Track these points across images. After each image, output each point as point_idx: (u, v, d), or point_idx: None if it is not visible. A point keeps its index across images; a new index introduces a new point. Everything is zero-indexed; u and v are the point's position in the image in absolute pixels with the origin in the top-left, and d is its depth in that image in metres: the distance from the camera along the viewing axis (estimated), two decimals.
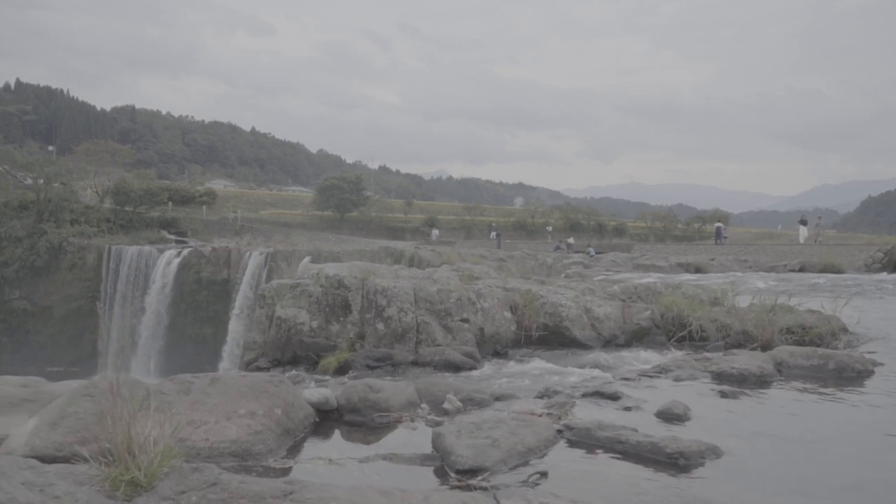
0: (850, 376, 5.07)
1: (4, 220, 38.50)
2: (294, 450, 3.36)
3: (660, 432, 3.49)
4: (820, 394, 4.61)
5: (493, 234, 51.18)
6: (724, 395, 4.50)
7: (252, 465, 3.02)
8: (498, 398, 4.34)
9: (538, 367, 5.90)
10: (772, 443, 3.47)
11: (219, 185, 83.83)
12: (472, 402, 4.16)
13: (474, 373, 5.82)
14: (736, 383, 4.81)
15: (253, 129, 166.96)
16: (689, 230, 64.32)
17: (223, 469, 2.46)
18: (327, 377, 5.73)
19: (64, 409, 3.14)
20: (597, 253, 32.52)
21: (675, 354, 6.32)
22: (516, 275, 13.05)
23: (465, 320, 6.65)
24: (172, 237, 43.27)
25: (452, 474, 2.92)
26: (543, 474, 2.91)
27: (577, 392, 4.50)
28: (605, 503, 2.65)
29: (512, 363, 6.20)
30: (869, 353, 5.77)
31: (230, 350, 29.64)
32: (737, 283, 11.39)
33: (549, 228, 58.87)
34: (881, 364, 5.39)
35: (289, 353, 6.59)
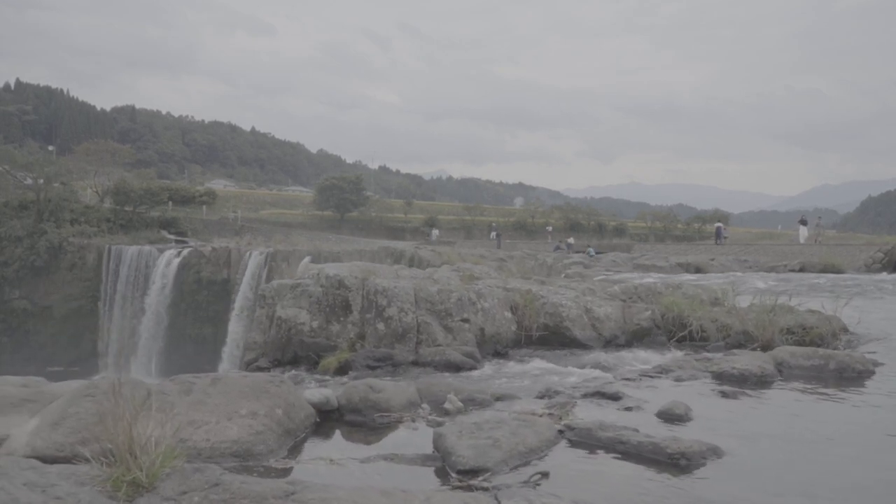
0: (851, 376, 5.07)
1: (4, 220, 38.49)
2: (295, 450, 3.36)
3: (661, 433, 3.49)
4: (821, 394, 4.61)
5: (493, 234, 51.18)
6: (724, 395, 4.50)
7: (253, 466, 3.01)
8: (499, 398, 4.34)
9: (539, 368, 5.90)
10: (773, 443, 3.47)
11: (219, 185, 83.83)
12: (472, 403, 4.16)
13: (475, 373, 5.82)
14: (737, 383, 4.81)
15: (253, 129, 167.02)
16: (689, 230, 64.33)
17: (224, 469, 2.46)
18: (328, 377, 5.73)
19: (65, 409, 3.14)
20: (597, 253, 32.52)
21: (675, 354, 6.32)
22: (516, 275, 13.05)
23: (466, 320, 6.64)
24: (172, 237, 43.26)
25: (454, 474, 2.92)
26: (545, 475, 2.91)
27: (578, 392, 4.50)
28: (607, 503, 2.65)
29: (512, 363, 6.20)
30: (869, 353, 5.76)
31: (230, 351, 29.63)
32: (737, 284, 11.39)
33: (549, 228, 58.87)
34: (882, 364, 5.39)
35: (289, 353, 6.59)
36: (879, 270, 18.04)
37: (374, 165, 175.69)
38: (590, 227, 64.46)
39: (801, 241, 32.98)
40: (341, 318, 6.63)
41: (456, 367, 5.95)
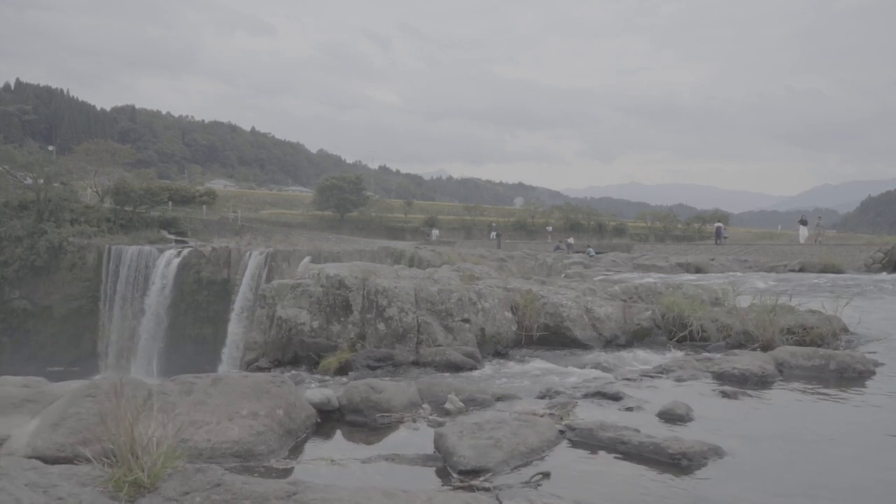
0: (852, 377, 5.07)
1: (4, 220, 38.48)
2: (296, 450, 3.36)
3: (662, 433, 3.49)
4: (821, 394, 4.61)
5: (493, 234, 51.17)
6: (725, 395, 4.50)
7: (254, 466, 3.01)
8: (499, 398, 4.34)
9: (539, 368, 5.90)
10: (774, 443, 3.47)
11: (219, 185, 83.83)
12: (473, 403, 4.16)
13: (475, 373, 5.82)
14: (737, 384, 4.81)
15: (253, 129, 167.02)
16: (689, 230, 64.33)
17: (226, 470, 2.46)
18: (328, 377, 5.73)
19: (66, 409, 3.14)
20: (597, 253, 32.51)
21: (676, 355, 6.32)
22: (517, 275, 13.05)
23: (466, 320, 6.64)
24: (172, 237, 43.26)
25: (455, 475, 2.92)
26: (546, 475, 2.91)
27: (579, 392, 4.50)
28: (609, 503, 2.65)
29: (513, 363, 6.20)
30: (870, 353, 5.76)
31: (229, 353, 29.60)
32: (737, 284, 11.39)
33: (549, 228, 58.87)
34: (882, 364, 5.39)
35: (289, 353, 6.59)
36: (879, 270, 18.04)
37: (374, 165, 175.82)
38: (590, 227, 64.46)
39: (802, 241, 32.97)
40: (342, 319, 6.63)
41: (456, 368, 5.94)
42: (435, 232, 53.76)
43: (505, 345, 6.76)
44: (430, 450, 3.28)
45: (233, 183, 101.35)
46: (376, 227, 59.40)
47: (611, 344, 6.90)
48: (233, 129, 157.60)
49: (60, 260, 37.67)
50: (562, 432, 3.51)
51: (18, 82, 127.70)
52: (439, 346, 6.35)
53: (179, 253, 35.49)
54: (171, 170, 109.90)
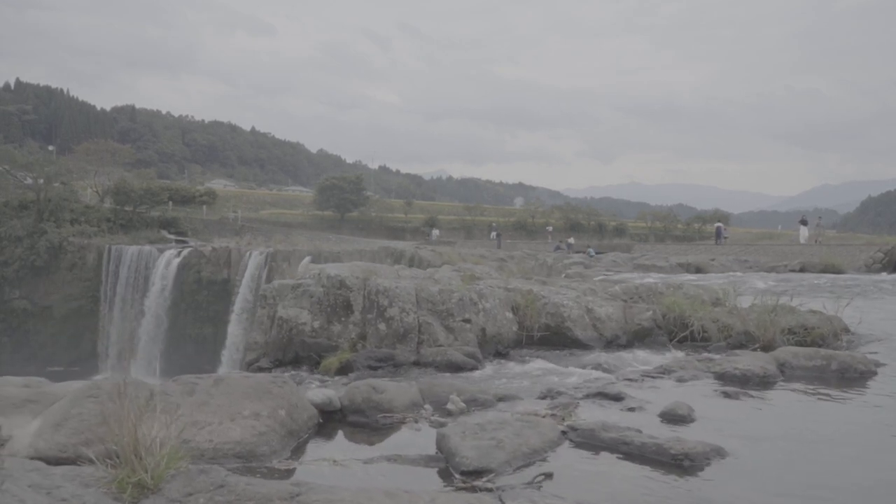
0: (853, 377, 5.07)
1: (4, 220, 38.48)
2: (298, 451, 3.36)
3: (664, 433, 3.49)
4: (823, 395, 4.61)
5: (494, 234, 51.17)
6: (727, 395, 4.50)
7: (256, 467, 3.01)
8: (501, 399, 4.34)
9: (540, 368, 5.90)
10: (776, 444, 3.47)
11: (219, 184, 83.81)
12: (475, 403, 4.16)
13: (476, 373, 5.82)
14: (739, 384, 4.81)
15: (253, 128, 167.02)
16: (690, 230, 64.34)
17: (228, 471, 2.46)
18: (329, 378, 5.73)
19: (67, 410, 3.13)
20: (597, 253, 32.51)
21: (677, 355, 6.32)
22: (517, 275, 13.05)
23: (467, 321, 6.64)
24: (173, 237, 43.27)
25: (457, 475, 2.92)
26: (548, 476, 2.91)
27: (580, 393, 4.50)
28: None
29: (514, 364, 6.19)
30: (871, 353, 5.76)
31: (229, 355, 29.58)
32: (737, 284, 11.38)
33: (550, 228, 58.88)
34: (883, 364, 5.39)
35: (290, 353, 6.59)
36: (879, 270, 18.03)
37: (374, 165, 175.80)
38: (590, 227, 64.47)
39: (802, 241, 32.97)
40: (342, 319, 6.63)
41: (457, 368, 5.94)
42: (435, 232, 53.77)
43: (506, 345, 6.76)
44: (432, 450, 3.28)
45: (233, 183, 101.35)
46: (376, 227, 59.40)
47: (612, 344, 6.90)
48: (233, 129, 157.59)
49: (60, 260, 37.67)
50: (564, 433, 3.51)
51: (18, 82, 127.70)
52: (440, 346, 6.35)
53: (179, 253, 35.49)
54: (171, 170, 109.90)
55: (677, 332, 6.98)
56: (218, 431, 3.15)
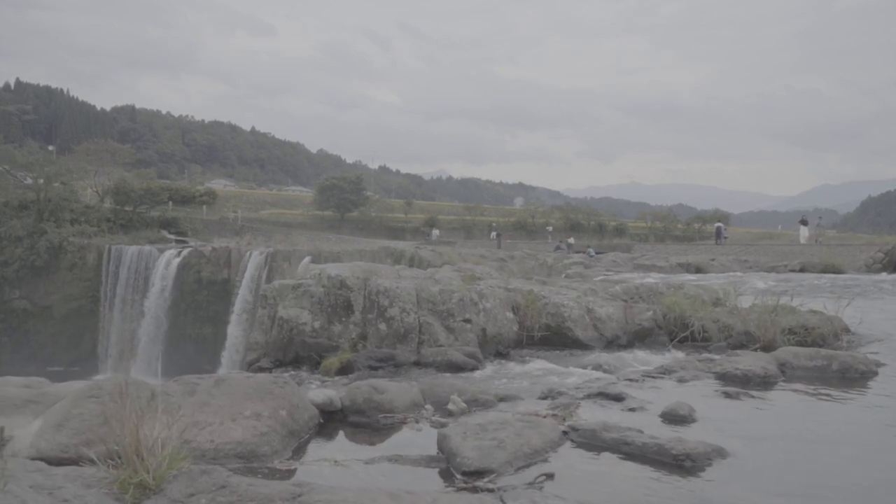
0: (854, 377, 5.07)
1: (4, 220, 38.47)
2: (299, 451, 3.36)
3: (665, 434, 3.49)
4: (824, 395, 4.61)
5: (494, 234, 51.17)
6: (728, 396, 4.50)
7: (257, 467, 3.01)
8: (502, 399, 4.34)
9: (541, 368, 5.90)
10: (777, 444, 3.47)
11: (219, 184, 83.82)
12: (476, 404, 4.16)
13: (477, 373, 5.82)
14: (740, 384, 4.80)
15: (253, 128, 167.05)
16: (690, 230, 64.35)
17: (230, 471, 2.46)
18: (330, 378, 5.72)
19: (69, 410, 3.13)
20: (597, 253, 32.51)
21: (677, 355, 6.32)
22: (518, 275, 13.05)
23: (468, 321, 6.64)
24: (173, 237, 43.26)
25: (458, 476, 2.92)
26: (550, 476, 2.91)
27: (581, 393, 4.50)
28: None
29: (514, 364, 6.19)
30: (872, 353, 5.76)
31: (229, 356, 29.55)
32: (737, 284, 11.38)
33: (550, 228, 58.89)
34: (884, 364, 5.39)
35: (291, 353, 6.59)
36: (879, 271, 18.03)
37: (374, 165, 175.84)
38: (590, 227, 64.47)
39: (802, 241, 32.96)
40: (343, 319, 6.63)
41: (458, 368, 5.94)
42: (435, 232, 53.77)
43: (506, 345, 6.76)
44: (433, 451, 3.28)
45: (233, 183, 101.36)
46: (376, 227, 59.40)
47: (612, 344, 6.90)
48: (233, 129, 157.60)
49: (60, 260, 37.66)
50: (565, 433, 3.51)
51: (18, 82, 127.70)
52: (441, 346, 6.35)
53: (179, 253, 35.48)
54: (171, 170, 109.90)
55: (678, 333, 6.98)
56: (219, 432, 3.15)
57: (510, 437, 3.19)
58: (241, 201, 67.27)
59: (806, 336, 6.43)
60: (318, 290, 6.77)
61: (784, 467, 3.14)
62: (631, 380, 5.00)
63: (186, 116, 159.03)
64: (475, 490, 2.71)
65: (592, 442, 3.42)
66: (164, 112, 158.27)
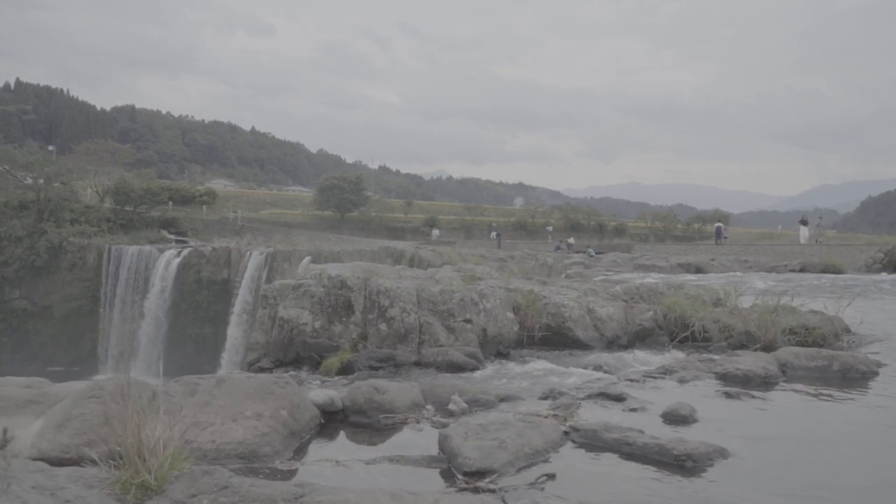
0: (855, 377, 5.07)
1: (4, 220, 38.49)
2: (300, 451, 3.36)
3: (666, 434, 3.49)
4: (825, 395, 4.61)
5: (494, 234, 51.19)
6: (729, 396, 4.49)
7: (259, 467, 3.01)
8: (503, 399, 4.33)
9: (541, 368, 5.89)
10: (778, 444, 3.47)
11: (219, 184, 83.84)
12: (477, 404, 4.16)
13: (477, 373, 5.81)
14: (741, 384, 4.80)
15: (253, 128, 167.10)
16: (690, 230, 64.37)
17: (231, 472, 2.45)
18: (330, 378, 5.72)
19: (70, 410, 3.13)
20: (597, 253, 32.51)
21: (678, 355, 6.32)
22: (518, 275, 13.05)
23: (468, 321, 6.64)
24: (173, 237, 43.29)
25: (460, 476, 2.92)
26: (551, 476, 2.91)
27: (582, 393, 4.50)
28: None
29: (515, 364, 6.19)
30: (872, 354, 5.76)
31: (229, 357, 29.55)
32: (738, 284, 11.39)
33: (550, 228, 58.90)
34: (885, 365, 5.39)
35: (291, 353, 6.59)
36: (879, 271, 18.03)
37: (374, 165, 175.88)
38: (590, 227, 64.49)
39: (802, 241, 32.97)
40: (343, 319, 6.63)
41: (458, 368, 5.94)
42: (435, 232, 53.79)
43: (507, 345, 6.76)
44: (434, 451, 3.28)
45: (233, 183, 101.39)
46: (376, 227, 59.42)
47: (612, 344, 6.90)
48: (233, 129, 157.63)
49: (60, 260, 37.68)
50: (566, 433, 3.51)
51: (18, 82, 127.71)
52: (441, 346, 6.35)
53: (179, 253, 35.49)
54: (171, 170, 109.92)
55: (678, 333, 6.98)
56: (220, 432, 3.14)
57: (511, 438, 3.19)
58: (241, 201, 67.29)
59: (806, 336, 6.43)
60: (319, 290, 6.77)
61: (785, 467, 3.14)
62: (632, 380, 5.00)
63: (186, 116, 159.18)
64: (477, 490, 2.71)
65: (593, 442, 3.41)
66: (164, 112, 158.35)
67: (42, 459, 2.71)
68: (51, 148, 75.85)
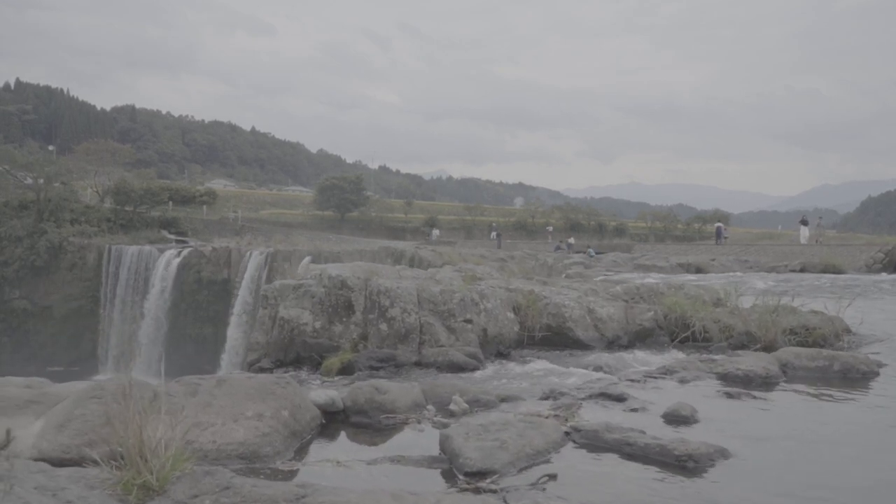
0: (856, 377, 5.07)
1: (4, 220, 38.50)
2: (301, 452, 3.36)
3: (667, 434, 3.48)
4: (826, 395, 4.61)
5: (494, 234, 51.20)
6: (730, 396, 4.49)
7: (260, 468, 3.01)
8: (504, 399, 4.33)
9: (542, 368, 5.89)
10: (779, 445, 3.47)
11: (219, 184, 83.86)
12: (477, 404, 4.16)
13: (477, 374, 5.81)
14: (741, 384, 4.80)
15: (253, 128, 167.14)
16: (690, 230, 64.38)
17: (233, 472, 2.45)
18: (331, 378, 5.72)
19: (71, 411, 3.13)
20: (597, 253, 32.51)
21: (678, 355, 6.32)
22: (518, 275, 13.05)
23: (469, 321, 6.64)
24: (173, 237, 43.31)
25: (461, 477, 2.92)
26: (552, 477, 2.91)
27: (583, 393, 4.50)
28: None
29: (515, 364, 6.18)
30: (873, 354, 5.76)
31: (229, 359, 29.53)
32: (738, 284, 11.39)
33: (550, 228, 58.91)
34: (886, 365, 5.38)
35: (292, 353, 6.58)
36: (880, 271, 18.03)
37: (374, 165, 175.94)
38: (590, 227, 64.49)
39: (803, 241, 32.97)
40: (344, 319, 6.63)
41: (459, 368, 5.93)
42: (435, 232, 53.79)
43: (507, 345, 6.76)
44: (435, 451, 3.28)
45: (233, 183, 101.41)
46: (376, 227, 59.43)
47: (613, 344, 6.89)
48: (233, 128, 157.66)
49: (60, 260, 37.68)
50: (567, 434, 3.51)
51: (18, 82, 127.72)
52: (442, 346, 6.34)
53: (179, 253, 35.49)
54: (171, 170, 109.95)
55: (679, 333, 6.98)
56: (221, 432, 3.14)
57: (512, 438, 3.19)
58: (241, 201, 67.31)
59: (807, 336, 6.43)
60: (320, 290, 6.76)
61: (786, 468, 3.14)
62: (632, 380, 5.00)
63: (186, 116, 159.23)
64: (478, 491, 2.71)
65: (595, 443, 3.41)
66: (164, 112, 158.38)
67: (43, 460, 2.71)
68: (51, 148, 75.87)
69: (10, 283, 37.26)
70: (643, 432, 3.44)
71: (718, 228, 40.87)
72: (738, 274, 17.99)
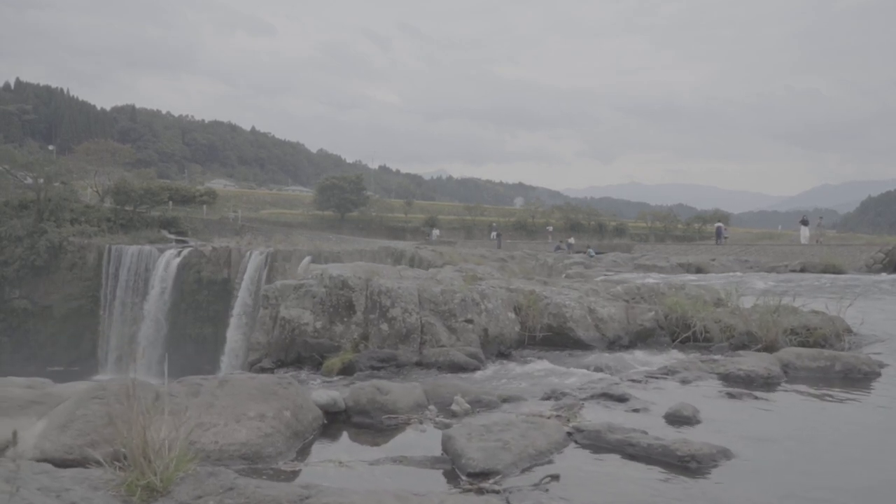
0: (857, 378, 5.07)
1: (4, 220, 38.49)
2: (303, 452, 3.36)
3: (670, 435, 3.48)
4: (827, 396, 4.61)
5: (494, 234, 51.20)
6: (731, 396, 4.49)
7: (262, 468, 3.01)
8: (505, 400, 4.33)
9: (543, 368, 5.89)
10: (781, 445, 3.47)
11: (219, 184, 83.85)
12: (479, 404, 4.16)
13: (478, 374, 5.81)
14: (743, 385, 4.80)
15: (253, 128, 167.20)
16: (690, 230, 64.40)
17: (236, 472, 2.45)
18: (332, 378, 5.72)
19: (73, 411, 3.13)
20: (597, 253, 32.50)
21: (679, 356, 6.32)
22: (519, 275, 13.05)
23: (470, 321, 6.63)
24: (173, 237, 43.31)
25: (463, 477, 2.92)
26: (555, 477, 2.91)
27: (585, 394, 4.49)
28: None
29: (516, 364, 6.18)
30: (874, 354, 5.76)
31: (228, 361, 29.51)
32: (738, 284, 11.38)
33: (550, 228, 58.92)
34: (887, 365, 5.38)
35: (292, 353, 6.58)
36: (880, 271, 18.03)
37: (374, 165, 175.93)
38: (590, 227, 64.50)
39: (803, 241, 32.96)
40: (345, 319, 6.63)
41: (460, 368, 5.93)
42: (435, 232, 53.80)
43: (508, 345, 6.76)
44: (437, 452, 3.28)
45: (233, 183, 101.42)
46: (376, 227, 59.43)
47: (614, 345, 6.89)
48: (233, 128, 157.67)
49: (60, 260, 37.68)
50: (569, 434, 3.51)
51: (18, 82, 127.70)
52: (443, 346, 6.34)
53: (179, 253, 35.48)
54: (171, 169, 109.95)
55: (679, 333, 6.98)
56: (223, 433, 3.14)
57: (515, 439, 3.19)
58: (241, 201, 67.32)
59: (808, 337, 6.43)
60: (320, 290, 6.76)
61: (788, 468, 3.14)
62: (634, 380, 5.00)
63: (186, 116, 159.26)
64: (481, 491, 2.71)
65: (597, 443, 3.41)
66: (164, 112, 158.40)
67: (45, 460, 2.71)
68: (51, 148, 75.86)
69: (10, 282, 37.26)
70: (645, 433, 3.44)
71: (718, 228, 40.88)
72: (739, 274, 17.99)
